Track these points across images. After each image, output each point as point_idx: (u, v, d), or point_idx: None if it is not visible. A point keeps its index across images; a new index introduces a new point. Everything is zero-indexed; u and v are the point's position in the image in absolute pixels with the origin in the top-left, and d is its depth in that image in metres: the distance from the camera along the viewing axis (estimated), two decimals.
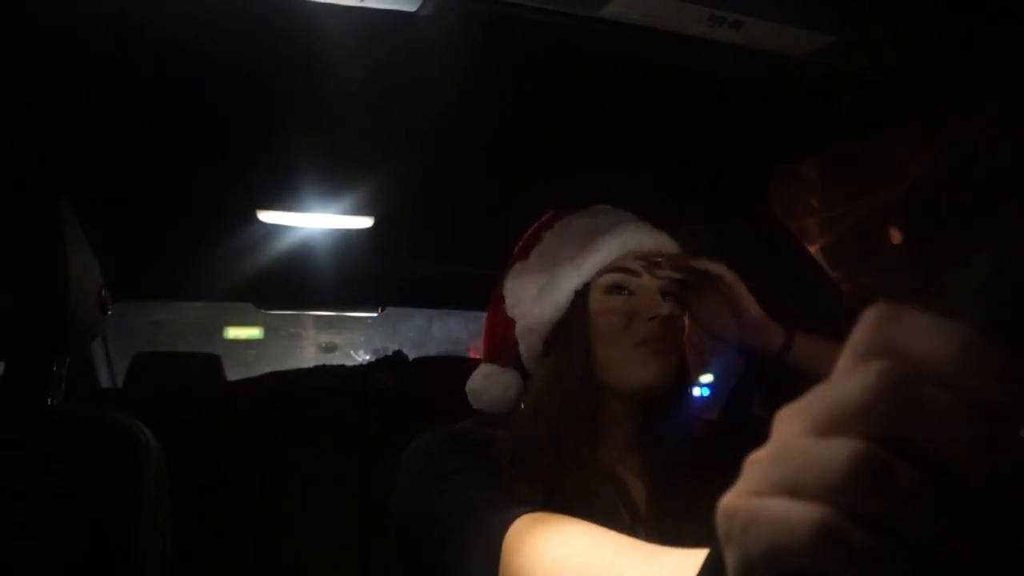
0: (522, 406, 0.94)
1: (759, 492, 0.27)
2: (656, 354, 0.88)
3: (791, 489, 0.26)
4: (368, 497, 2.24)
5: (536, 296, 0.93)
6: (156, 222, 1.86)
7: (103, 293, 1.30)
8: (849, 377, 0.26)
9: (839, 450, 0.25)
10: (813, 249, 1.29)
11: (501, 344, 0.98)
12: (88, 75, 1.00)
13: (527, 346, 0.95)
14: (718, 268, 0.98)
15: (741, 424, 1.26)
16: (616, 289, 0.91)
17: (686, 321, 0.95)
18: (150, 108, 1.13)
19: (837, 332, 1.09)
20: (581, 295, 0.91)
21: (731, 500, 0.28)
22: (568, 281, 0.91)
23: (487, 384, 0.97)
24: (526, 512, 0.68)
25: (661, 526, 0.84)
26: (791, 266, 1.31)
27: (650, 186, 1.05)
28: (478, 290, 1.02)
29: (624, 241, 0.92)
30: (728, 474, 0.30)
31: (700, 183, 1.44)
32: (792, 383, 0.98)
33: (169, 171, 1.45)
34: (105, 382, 2.78)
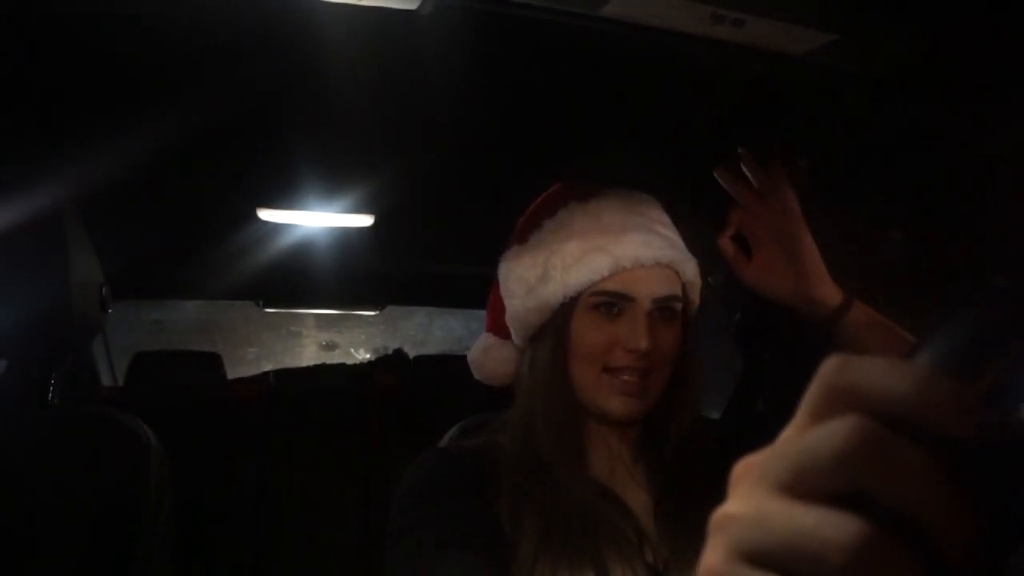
0: (516, 400, 0.92)
1: (749, 560, 0.26)
2: (624, 389, 0.84)
3: (783, 561, 0.25)
4: (368, 495, 2.25)
5: (524, 295, 0.90)
6: (157, 221, 1.86)
7: (104, 292, 1.30)
8: (817, 432, 0.25)
9: (832, 520, 0.24)
10: None
11: (502, 319, 0.95)
12: (89, 75, 1.00)
13: (515, 336, 0.93)
14: (787, 197, 0.91)
15: (746, 422, 1.26)
16: (603, 308, 0.86)
17: (679, 337, 0.88)
18: (151, 107, 1.13)
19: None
20: (567, 307, 0.87)
21: (719, 568, 0.27)
22: (554, 295, 0.87)
23: (486, 358, 0.98)
24: None
25: (669, 541, 0.82)
26: None
27: (649, 184, 1.05)
28: (479, 288, 1.02)
29: (618, 258, 0.85)
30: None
31: (701, 182, 1.44)
32: (796, 376, 0.96)
33: (169, 170, 1.45)
34: (106, 381, 2.78)
